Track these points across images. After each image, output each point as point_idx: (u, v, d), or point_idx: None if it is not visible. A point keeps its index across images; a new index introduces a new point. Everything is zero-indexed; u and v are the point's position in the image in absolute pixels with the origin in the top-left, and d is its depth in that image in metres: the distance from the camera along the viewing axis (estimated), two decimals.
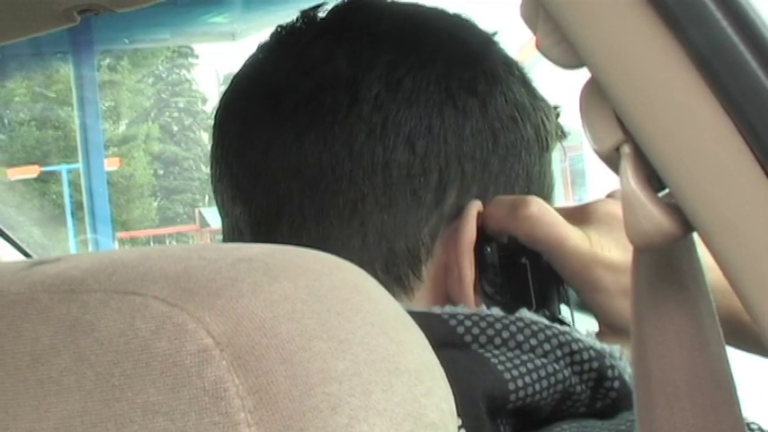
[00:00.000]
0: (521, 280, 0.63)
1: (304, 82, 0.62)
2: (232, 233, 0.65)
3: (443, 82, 0.61)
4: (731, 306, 0.50)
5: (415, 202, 0.60)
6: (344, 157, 0.60)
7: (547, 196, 0.66)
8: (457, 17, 0.67)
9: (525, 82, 0.66)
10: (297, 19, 0.67)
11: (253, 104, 0.64)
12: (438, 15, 0.66)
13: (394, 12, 0.66)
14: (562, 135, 0.69)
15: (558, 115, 0.68)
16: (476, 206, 0.61)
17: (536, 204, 0.61)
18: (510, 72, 0.65)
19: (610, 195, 0.66)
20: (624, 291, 0.60)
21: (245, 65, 0.68)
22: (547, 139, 0.66)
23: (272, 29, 0.68)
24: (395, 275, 0.60)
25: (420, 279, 0.61)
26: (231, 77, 0.69)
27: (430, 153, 0.60)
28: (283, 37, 0.67)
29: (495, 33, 0.68)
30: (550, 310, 0.63)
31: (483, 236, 0.61)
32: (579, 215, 0.63)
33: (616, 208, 0.63)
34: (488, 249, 0.62)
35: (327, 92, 0.61)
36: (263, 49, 0.67)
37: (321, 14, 0.66)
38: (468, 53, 0.64)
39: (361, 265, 0.40)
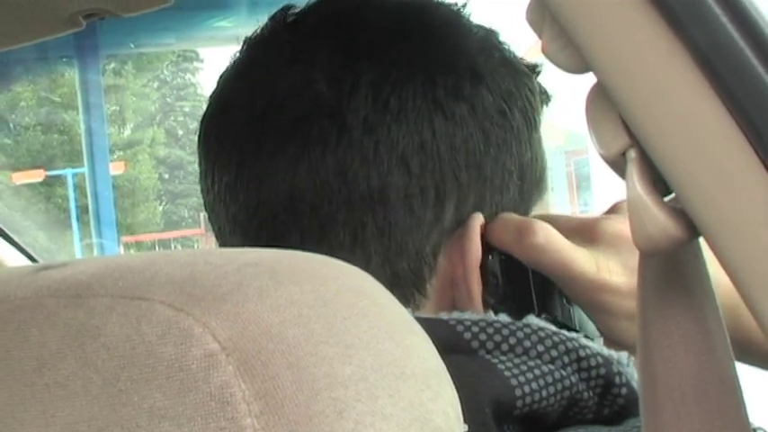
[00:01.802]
0: (522, 287, 0.63)
1: (286, 110, 0.60)
2: None
3: (429, 93, 0.60)
4: (741, 322, 0.50)
5: (414, 222, 0.59)
6: (339, 186, 0.59)
7: (540, 179, 0.65)
8: (424, 10, 0.65)
9: (505, 59, 0.65)
10: (265, 30, 0.65)
11: (239, 133, 0.62)
12: (409, 16, 0.64)
13: (365, 20, 0.63)
14: (547, 99, 0.67)
15: (538, 74, 0.67)
16: (478, 221, 0.61)
17: (542, 232, 0.60)
18: (490, 57, 0.63)
19: (613, 208, 0.66)
20: (629, 314, 0.59)
21: (224, 84, 0.66)
22: (534, 116, 0.65)
23: None
24: (400, 296, 0.59)
25: (425, 296, 0.61)
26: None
27: (425, 170, 0.59)
28: (256, 54, 0.65)
29: (463, 12, 0.65)
30: (553, 315, 0.63)
31: (485, 247, 0.61)
32: (586, 234, 0.63)
33: (623, 226, 0.62)
34: (490, 258, 0.62)
35: (313, 120, 0.59)
36: (238, 66, 0.65)
37: (289, 23, 0.64)
38: (448, 54, 0.62)
39: None
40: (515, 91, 0.63)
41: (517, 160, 0.63)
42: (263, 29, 0.66)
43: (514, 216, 0.62)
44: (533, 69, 0.67)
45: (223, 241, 0.65)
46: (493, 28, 0.66)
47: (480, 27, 0.65)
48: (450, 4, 0.66)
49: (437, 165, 0.59)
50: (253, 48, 0.65)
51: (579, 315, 0.64)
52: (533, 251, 0.60)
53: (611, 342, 0.62)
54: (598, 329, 0.63)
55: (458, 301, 0.61)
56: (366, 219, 0.59)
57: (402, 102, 0.59)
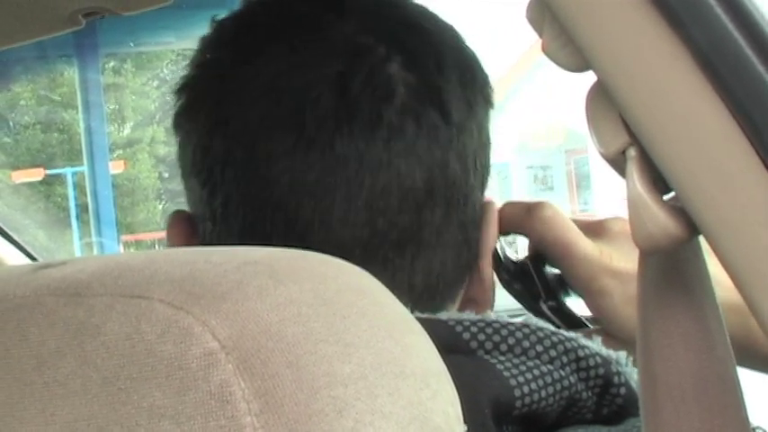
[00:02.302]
0: (526, 273, 0.65)
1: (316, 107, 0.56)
2: None
3: (470, 96, 0.60)
4: (743, 324, 0.50)
5: (476, 217, 0.60)
6: (441, 182, 0.57)
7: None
8: (427, 10, 0.63)
9: (466, 45, 0.63)
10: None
11: (326, 120, 0.57)
12: (427, 14, 0.62)
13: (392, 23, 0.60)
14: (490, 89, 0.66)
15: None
16: (495, 211, 0.62)
17: (551, 208, 0.62)
18: (465, 46, 0.63)
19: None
20: (629, 299, 0.60)
21: (242, 57, 0.60)
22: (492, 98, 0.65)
23: None
24: (429, 308, 0.59)
25: (454, 303, 0.62)
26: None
27: (483, 166, 0.60)
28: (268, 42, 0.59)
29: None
30: (558, 299, 0.65)
31: None
32: (593, 230, 0.65)
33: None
34: (502, 249, 0.64)
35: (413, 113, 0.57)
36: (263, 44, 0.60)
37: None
38: (461, 55, 0.61)
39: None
40: (480, 78, 0.63)
41: (489, 148, 0.64)
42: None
43: (522, 201, 0.64)
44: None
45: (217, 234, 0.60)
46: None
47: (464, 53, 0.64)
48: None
49: (485, 159, 0.61)
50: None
51: None
52: (541, 224, 0.62)
53: (613, 332, 0.62)
54: (599, 318, 0.64)
55: (474, 293, 0.62)
56: (452, 216, 0.58)
57: (419, 125, 0.57)
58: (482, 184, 0.61)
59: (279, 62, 0.58)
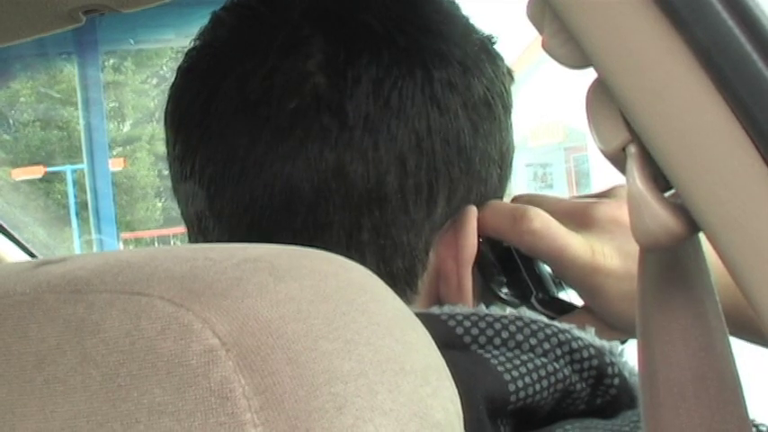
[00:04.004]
0: (518, 272, 0.64)
1: (283, 103, 0.58)
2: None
3: (427, 88, 0.59)
4: (736, 301, 0.50)
5: (409, 220, 0.59)
6: (338, 186, 0.57)
7: (511, 162, 0.65)
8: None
9: (483, 43, 0.63)
10: (234, 12, 0.62)
11: (228, 123, 0.59)
12: (404, 4, 0.61)
13: (360, 8, 0.61)
14: (512, 79, 0.66)
15: (494, 43, 0.65)
16: (473, 214, 0.61)
17: (537, 218, 0.61)
18: (474, 44, 0.62)
19: (609, 192, 0.66)
20: (624, 296, 0.60)
21: (207, 62, 0.62)
22: (509, 100, 0.64)
23: None
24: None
25: (416, 293, 0.61)
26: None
27: (420, 167, 0.58)
28: (243, 36, 0.61)
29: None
30: (549, 291, 0.64)
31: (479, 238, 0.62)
32: (580, 218, 0.63)
33: (618, 212, 0.62)
34: (486, 249, 0.62)
35: (312, 115, 0.57)
36: (219, 47, 0.62)
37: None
38: (442, 46, 0.61)
39: None
40: (494, 77, 0.63)
41: (499, 148, 0.63)
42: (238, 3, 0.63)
43: (505, 204, 0.63)
44: (493, 42, 0.65)
45: (203, 235, 0.62)
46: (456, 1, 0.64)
47: (456, 6, 0.64)
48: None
49: (431, 161, 0.59)
50: (238, 28, 0.62)
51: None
52: (530, 237, 0.61)
53: (608, 326, 0.62)
54: (595, 314, 0.63)
55: (445, 296, 0.61)
56: (362, 219, 0.58)
57: (402, 98, 0.58)
58: (429, 187, 0.59)
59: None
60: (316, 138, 0.57)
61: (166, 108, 0.64)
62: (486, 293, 0.63)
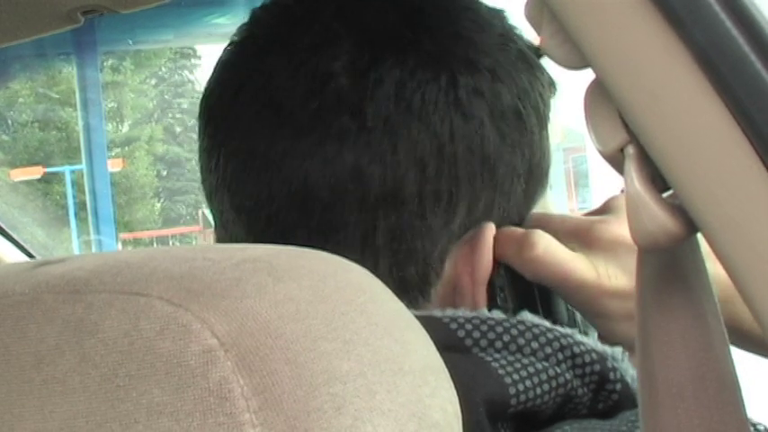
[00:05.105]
0: (528, 300, 0.63)
1: (305, 102, 0.58)
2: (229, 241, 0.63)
3: (451, 93, 0.58)
4: (734, 313, 0.50)
5: (425, 226, 0.58)
6: (354, 186, 0.57)
7: (545, 176, 0.65)
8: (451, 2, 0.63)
9: (521, 52, 0.63)
10: (271, 10, 0.63)
11: (252, 119, 0.60)
12: (433, 8, 0.61)
13: (388, 11, 0.61)
14: (554, 89, 0.65)
15: (539, 55, 0.64)
16: (491, 232, 0.60)
17: (541, 243, 0.60)
18: (509, 52, 0.62)
19: (605, 207, 0.65)
20: (629, 315, 0.59)
21: (236, 60, 0.63)
22: (546, 113, 0.64)
23: None
24: (405, 300, 0.58)
25: (429, 301, 0.60)
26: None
27: (441, 173, 0.58)
28: (272, 34, 0.62)
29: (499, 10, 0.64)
30: (559, 322, 0.63)
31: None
32: (584, 238, 0.62)
33: (620, 230, 0.62)
34: (498, 272, 0.61)
35: (332, 115, 0.57)
36: (251, 44, 0.63)
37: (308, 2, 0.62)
38: (470, 51, 0.60)
39: None
40: (529, 87, 0.62)
41: (528, 162, 0.62)
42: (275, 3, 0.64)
43: (514, 230, 0.61)
44: (540, 54, 0.64)
45: (224, 228, 0.63)
46: (505, 12, 0.64)
47: (497, 15, 0.64)
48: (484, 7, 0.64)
49: (453, 168, 0.58)
50: (271, 26, 0.63)
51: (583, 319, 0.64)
52: (533, 264, 0.60)
53: (612, 344, 0.62)
54: (599, 333, 0.63)
55: (459, 307, 0.60)
56: (378, 221, 0.58)
57: (425, 102, 0.58)
58: (449, 195, 0.58)
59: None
60: (334, 138, 0.57)
61: (201, 101, 0.65)
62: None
